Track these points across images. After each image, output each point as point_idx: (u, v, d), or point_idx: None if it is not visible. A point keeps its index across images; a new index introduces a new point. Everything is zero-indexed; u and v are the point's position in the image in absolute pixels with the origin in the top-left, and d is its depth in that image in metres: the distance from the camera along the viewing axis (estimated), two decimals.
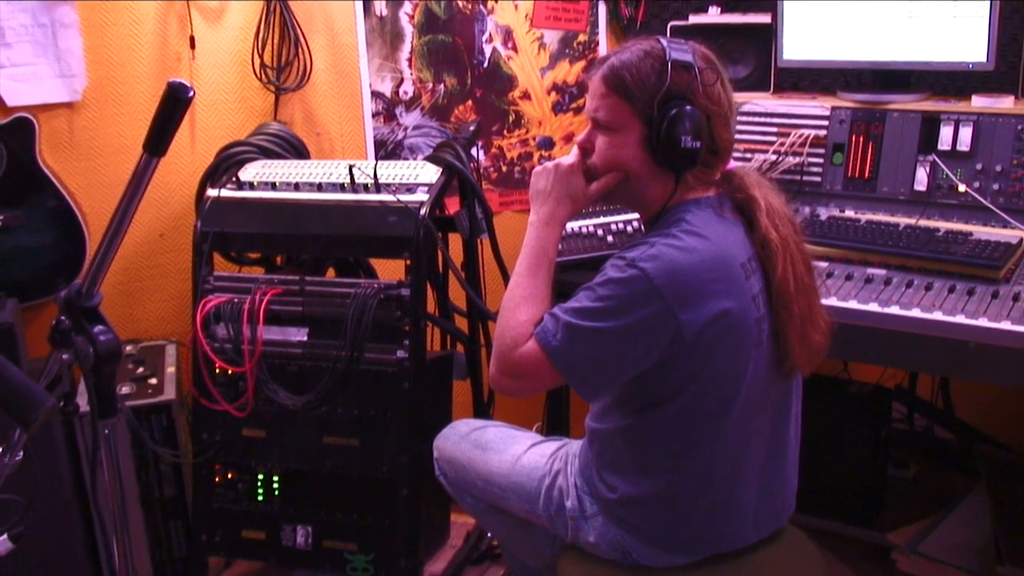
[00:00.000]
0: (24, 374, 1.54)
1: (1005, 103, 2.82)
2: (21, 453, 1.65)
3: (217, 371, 2.71)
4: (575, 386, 1.95)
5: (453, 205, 2.99)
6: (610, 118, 1.95)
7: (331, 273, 3.10)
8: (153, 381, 2.92)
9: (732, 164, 2.05)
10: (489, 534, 3.10)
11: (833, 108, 3.03)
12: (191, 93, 1.59)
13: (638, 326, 1.83)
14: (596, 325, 1.85)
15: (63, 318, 1.65)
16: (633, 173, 1.96)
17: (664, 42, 1.93)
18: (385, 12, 3.36)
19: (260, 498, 2.80)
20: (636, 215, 2.54)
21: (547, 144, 3.61)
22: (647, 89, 1.90)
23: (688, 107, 1.88)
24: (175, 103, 1.59)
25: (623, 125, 1.94)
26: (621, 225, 2.88)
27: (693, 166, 1.92)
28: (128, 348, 3.09)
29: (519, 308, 1.98)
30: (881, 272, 2.59)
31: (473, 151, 3.02)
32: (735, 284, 1.88)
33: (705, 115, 1.90)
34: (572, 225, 2.89)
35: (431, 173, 2.80)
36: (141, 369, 2.97)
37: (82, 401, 2.48)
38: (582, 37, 3.56)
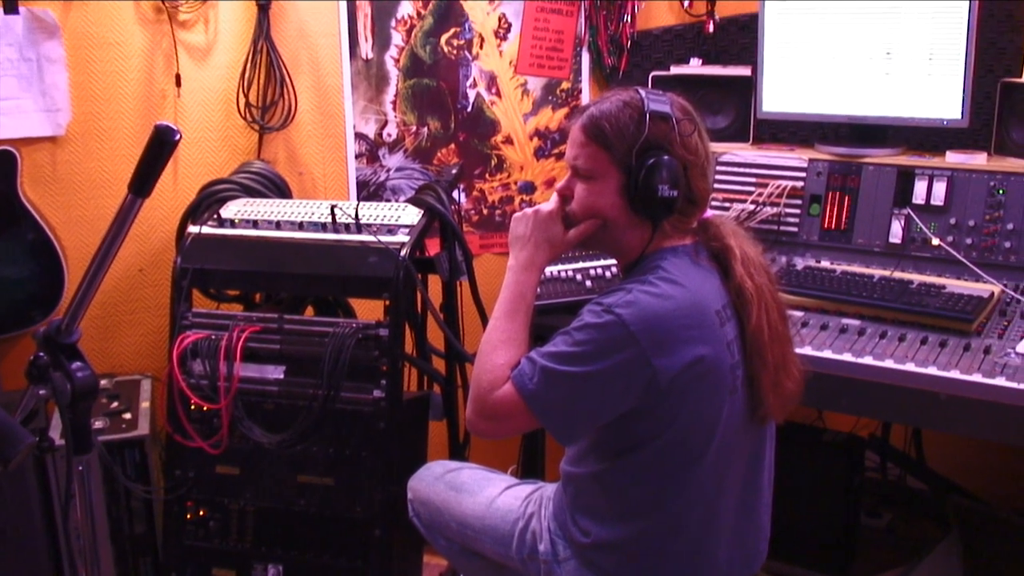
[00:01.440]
0: (3, 410, 1.54)
1: (978, 159, 2.87)
2: None
3: (192, 407, 2.70)
4: (551, 430, 1.95)
5: (434, 247, 3.00)
6: (589, 166, 1.97)
7: (310, 312, 3.10)
8: (127, 416, 2.90)
9: (709, 213, 2.07)
10: None
11: (811, 160, 3.08)
12: (177, 136, 1.61)
13: (613, 371, 1.84)
14: (572, 370, 1.86)
15: (41, 354, 1.65)
16: (611, 220, 1.98)
17: (643, 93, 1.96)
18: (371, 55, 3.40)
19: (232, 536, 2.78)
20: (614, 261, 2.56)
21: (528, 189, 3.64)
22: (625, 139, 1.92)
23: (666, 157, 1.91)
24: (161, 145, 1.60)
25: (602, 173, 1.96)
26: (600, 270, 2.91)
27: (670, 214, 1.95)
28: (103, 382, 3.07)
29: (496, 351, 1.99)
30: (856, 323, 2.62)
31: (455, 194, 3.04)
32: (710, 331, 1.89)
33: (682, 165, 1.93)
34: (551, 270, 2.91)
35: (412, 215, 2.82)
36: (115, 403, 2.96)
37: (55, 435, 2.47)
38: (565, 84, 3.60)
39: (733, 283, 1.98)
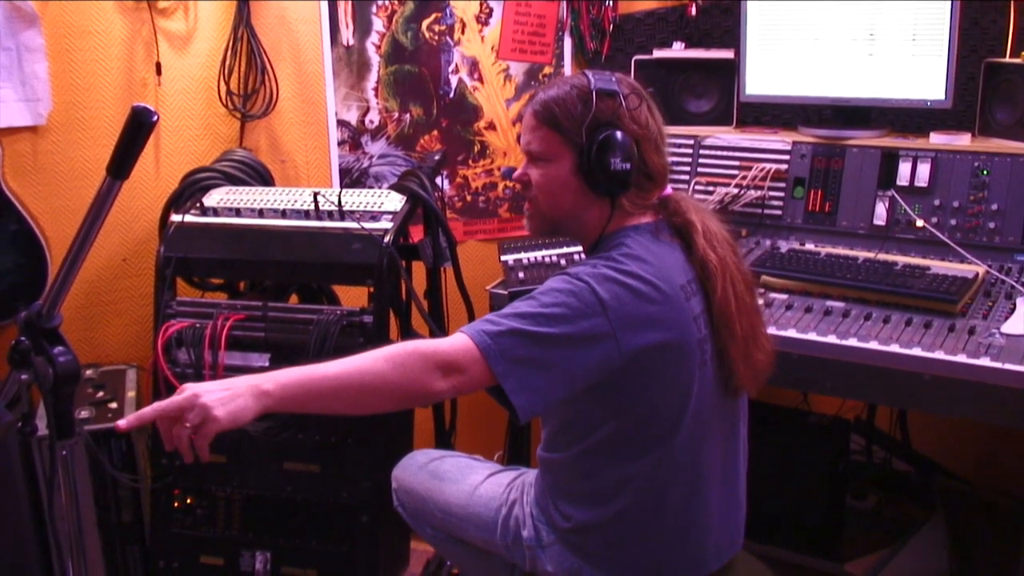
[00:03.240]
0: None
1: (962, 140, 2.88)
2: None
3: None
4: (509, 394, 1.81)
5: (417, 233, 3.00)
6: (542, 148, 2.00)
7: (294, 299, 3.10)
8: (113, 405, 2.90)
9: (669, 190, 2.08)
10: (448, 563, 3.09)
11: (794, 143, 3.08)
12: (155, 117, 1.60)
13: (580, 337, 1.81)
14: (543, 331, 1.80)
15: (23, 338, 1.65)
16: (568, 200, 1.99)
17: (590, 75, 2.00)
18: (352, 42, 3.38)
19: (219, 523, 2.78)
20: None
21: (511, 175, 3.63)
22: (575, 118, 1.95)
23: (617, 132, 1.93)
24: (139, 127, 1.60)
25: (555, 155, 1.99)
26: (580, 255, 2.90)
27: (626, 189, 1.96)
28: (89, 372, 3.06)
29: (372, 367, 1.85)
30: (840, 305, 2.63)
31: (438, 180, 3.03)
32: (675, 305, 1.90)
33: (634, 140, 1.95)
34: (534, 255, 2.91)
35: (395, 201, 2.81)
36: (101, 393, 2.95)
37: (41, 424, 2.46)
38: (548, 69, 3.59)
39: (696, 257, 1.99)
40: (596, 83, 1.97)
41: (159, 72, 3.17)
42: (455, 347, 1.80)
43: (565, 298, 1.83)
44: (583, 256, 2.84)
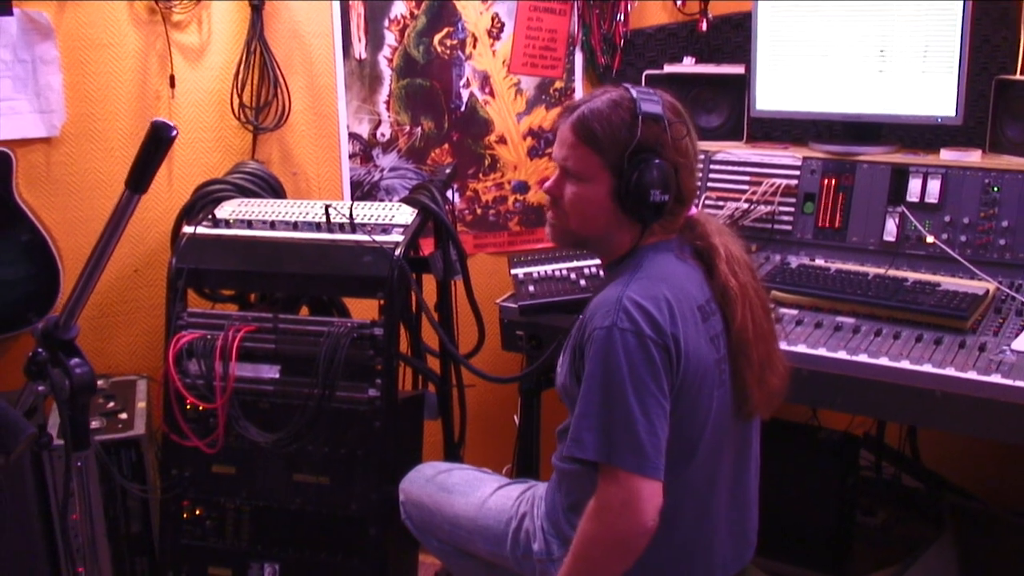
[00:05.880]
0: (5, 402, 1.55)
1: (973, 157, 2.88)
2: None
3: (188, 407, 2.70)
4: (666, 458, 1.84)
5: (428, 246, 3.00)
6: (579, 168, 1.97)
7: (305, 311, 3.10)
8: (123, 416, 2.91)
9: (693, 210, 2.08)
10: None
11: (804, 158, 3.08)
12: (174, 133, 1.62)
13: (648, 371, 1.82)
14: (630, 399, 1.81)
15: (40, 350, 1.66)
16: (600, 222, 1.98)
17: (634, 92, 1.95)
18: (364, 55, 3.40)
19: (228, 535, 2.78)
20: None
21: (522, 188, 3.65)
22: (617, 141, 1.91)
23: (657, 160, 1.90)
24: (158, 142, 1.61)
25: (592, 176, 1.95)
26: (594, 269, 2.89)
27: (660, 217, 1.95)
28: (99, 383, 3.06)
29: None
30: (850, 320, 2.62)
31: (448, 194, 3.04)
32: (693, 326, 1.90)
33: (673, 167, 1.93)
34: (544, 268, 2.91)
35: (406, 214, 2.82)
36: (112, 404, 2.96)
37: (53, 432, 2.48)
38: (559, 84, 3.60)
39: (717, 282, 1.99)
40: (642, 105, 1.92)
41: (173, 85, 3.18)
42: (615, 493, 1.82)
43: (617, 356, 1.81)
44: (596, 271, 2.86)
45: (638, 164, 1.90)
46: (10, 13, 2.92)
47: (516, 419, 3.07)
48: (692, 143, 1.99)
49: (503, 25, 3.51)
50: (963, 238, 2.82)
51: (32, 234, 3.01)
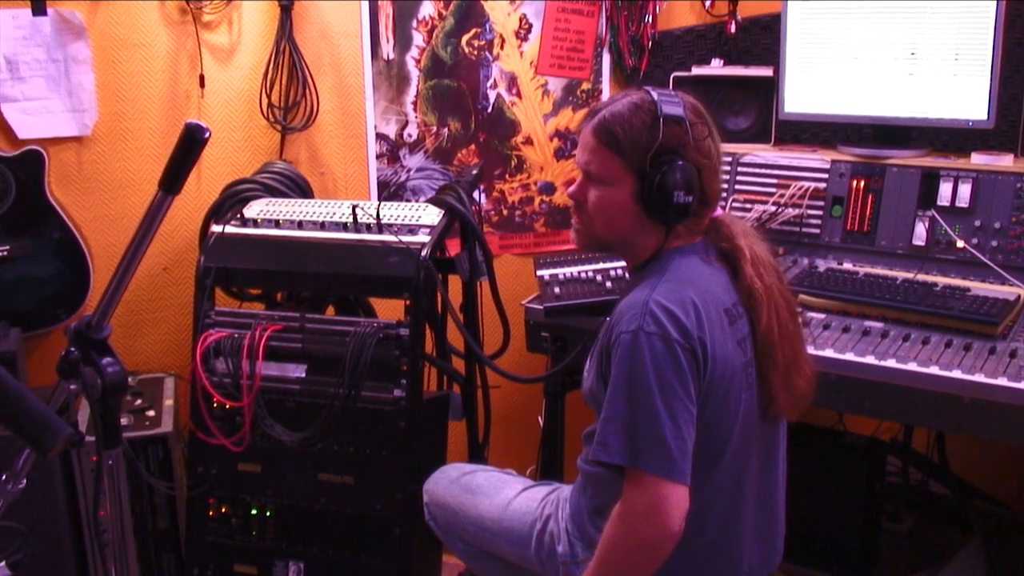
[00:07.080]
0: (41, 402, 1.56)
1: (1004, 161, 2.85)
2: (24, 481, 1.67)
3: (215, 405, 2.72)
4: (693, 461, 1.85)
5: (454, 247, 3.01)
6: (602, 172, 1.97)
7: (331, 311, 3.11)
8: (151, 413, 2.93)
9: (718, 211, 2.07)
10: None
11: (833, 161, 3.07)
12: (207, 134, 1.62)
13: (675, 375, 1.82)
14: (656, 403, 1.80)
15: (72, 349, 1.67)
16: (624, 225, 1.97)
17: (655, 94, 1.95)
18: (392, 56, 3.40)
19: (253, 533, 2.79)
20: None
21: (548, 189, 3.64)
22: (639, 144, 1.91)
23: (680, 162, 1.90)
24: (192, 143, 1.62)
25: (615, 179, 1.95)
26: (619, 271, 2.89)
27: (684, 219, 1.95)
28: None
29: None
30: (879, 325, 2.61)
31: (475, 194, 3.04)
32: (720, 329, 1.90)
33: (696, 168, 1.92)
34: (570, 270, 2.91)
35: (433, 215, 2.83)
36: (139, 401, 2.98)
37: (82, 429, 2.50)
38: (586, 85, 3.60)
39: (743, 284, 1.98)
40: (663, 107, 1.91)
41: (203, 84, 3.20)
42: (634, 499, 1.82)
43: (643, 361, 1.81)
44: (622, 273, 2.86)
45: (660, 166, 1.90)
46: (44, 13, 2.95)
47: (540, 421, 3.07)
48: (715, 144, 1.98)
49: (531, 26, 3.51)
50: (994, 243, 2.80)
51: (63, 232, 3.04)
